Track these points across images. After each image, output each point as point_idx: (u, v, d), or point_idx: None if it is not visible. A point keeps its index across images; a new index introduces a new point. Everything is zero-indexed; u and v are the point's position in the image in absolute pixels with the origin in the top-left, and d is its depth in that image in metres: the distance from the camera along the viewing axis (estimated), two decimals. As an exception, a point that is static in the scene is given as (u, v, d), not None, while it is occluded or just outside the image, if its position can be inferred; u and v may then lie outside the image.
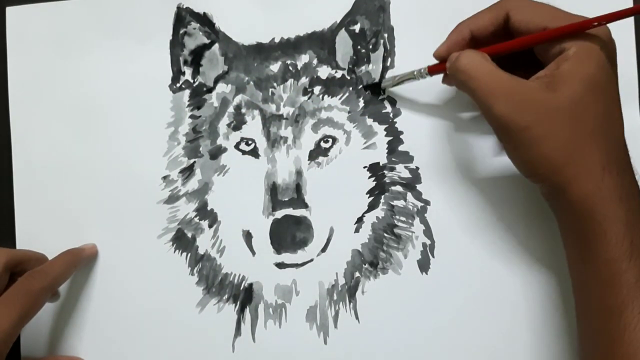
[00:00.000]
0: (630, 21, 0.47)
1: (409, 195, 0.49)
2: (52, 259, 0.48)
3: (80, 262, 0.50)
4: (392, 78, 0.48)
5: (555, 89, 0.38)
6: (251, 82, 0.50)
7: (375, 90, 0.49)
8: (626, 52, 0.48)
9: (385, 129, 0.49)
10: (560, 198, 0.39)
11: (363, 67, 0.50)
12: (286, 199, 0.49)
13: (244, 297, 0.50)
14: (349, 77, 0.50)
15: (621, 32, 0.47)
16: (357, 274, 0.49)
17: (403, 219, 0.49)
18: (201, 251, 0.51)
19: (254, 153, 0.50)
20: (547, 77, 0.38)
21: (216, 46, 0.51)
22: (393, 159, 0.49)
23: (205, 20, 0.51)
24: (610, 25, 0.45)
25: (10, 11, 0.53)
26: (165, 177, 0.51)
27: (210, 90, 0.51)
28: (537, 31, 0.39)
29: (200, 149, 0.51)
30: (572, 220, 0.39)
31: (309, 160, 0.50)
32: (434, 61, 0.45)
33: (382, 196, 0.49)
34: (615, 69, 0.40)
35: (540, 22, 0.39)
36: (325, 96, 0.50)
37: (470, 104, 0.49)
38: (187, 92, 0.51)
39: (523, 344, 0.47)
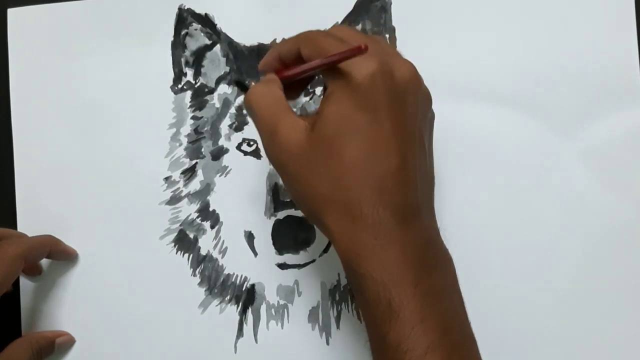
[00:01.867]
0: (631, 21, 0.47)
1: (411, 196, 0.49)
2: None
3: (56, 246, 0.50)
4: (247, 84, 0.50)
5: (314, 129, 0.36)
6: (253, 83, 0.50)
7: (242, 86, 0.50)
8: (627, 50, 0.48)
9: (387, 130, 0.49)
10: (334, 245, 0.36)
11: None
12: (288, 200, 0.49)
13: (246, 298, 0.50)
14: (350, 78, 0.50)
15: (622, 31, 0.48)
16: (359, 275, 0.49)
17: (405, 219, 0.49)
18: (203, 252, 0.51)
19: (256, 154, 0.50)
20: (315, 117, 0.37)
21: (218, 47, 0.51)
22: (395, 159, 0.49)
23: (206, 21, 0.51)
24: (612, 25, 0.45)
25: (12, 12, 0.53)
26: (167, 178, 0.51)
27: (211, 91, 0.51)
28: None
29: (202, 150, 0.51)
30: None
31: (310, 160, 0.50)
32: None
33: (384, 196, 0.49)
34: (387, 95, 0.35)
35: (316, 57, 0.37)
36: (327, 97, 0.50)
37: (471, 105, 0.49)
38: (188, 93, 0.51)
39: (524, 344, 0.47)
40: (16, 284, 0.52)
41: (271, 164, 0.39)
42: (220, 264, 0.50)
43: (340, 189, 0.35)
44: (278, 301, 0.50)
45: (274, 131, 0.37)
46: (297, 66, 0.39)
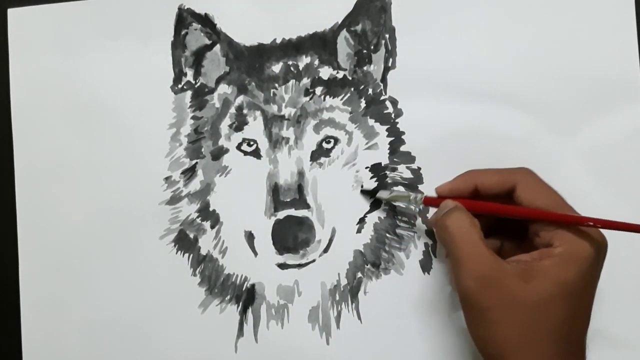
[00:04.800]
0: (631, 21, 0.47)
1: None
2: None
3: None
4: (389, 191, 0.48)
5: (528, 280, 0.38)
6: (252, 83, 0.50)
7: (369, 194, 0.49)
8: (627, 50, 0.48)
9: (387, 130, 0.49)
10: None
11: (365, 68, 0.50)
12: (288, 200, 0.49)
13: (247, 297, 0.50)
14: (350, 78, 0.50)
15: (622, 31, 0.48)
16: (359, 274, 0.49)
17: (405, 219, 0.49)
18: (203, 252, 0.51)
19: (256, 154, 0.50)
20: (526, 265, 0.39)
21: (217, 47, 0.51)
22: (395, 159, 0.49)
23: (206, 21, 0.51)
24: (612, 25, 0.45)
25: (12, 13, 0.53)
26: (167, 178, 0.51)
27: (211, 91, 0.51)
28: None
29: (202, 149, 0.51)
30: None
31: (310, 160, 0.50)
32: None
33: (384, 196, 0.49)
34: (600, 269, 0.40)
35: (542, 205, 0.40)
36: (327, 97, 0.50)
37: (472, 105, 0.49)
38: (188, 93, 0.51)
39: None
40: (16, 283, 0.52)
41: (467, 302, 0.40)
42: (220, 263, 0.50)
43: (543, 343, 0.37)
44: (278, 301, 0.50)
45: (482, 272, 0.38)
46: (514, 206, 0.40)
